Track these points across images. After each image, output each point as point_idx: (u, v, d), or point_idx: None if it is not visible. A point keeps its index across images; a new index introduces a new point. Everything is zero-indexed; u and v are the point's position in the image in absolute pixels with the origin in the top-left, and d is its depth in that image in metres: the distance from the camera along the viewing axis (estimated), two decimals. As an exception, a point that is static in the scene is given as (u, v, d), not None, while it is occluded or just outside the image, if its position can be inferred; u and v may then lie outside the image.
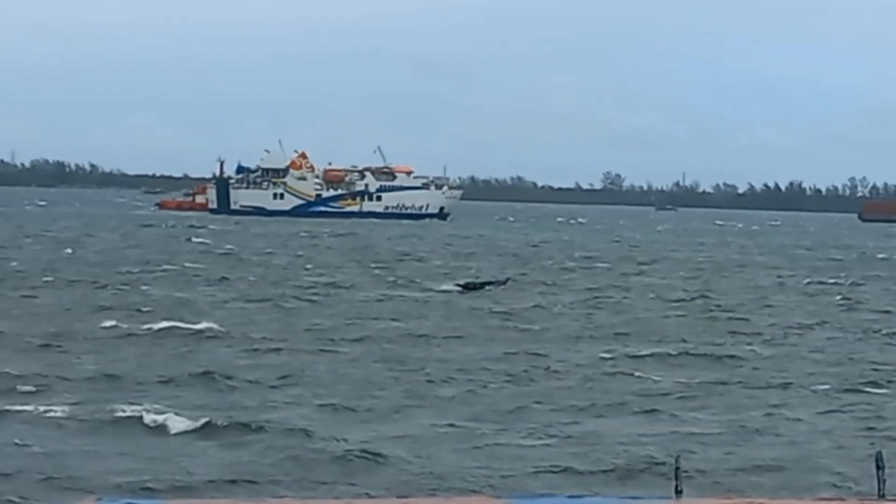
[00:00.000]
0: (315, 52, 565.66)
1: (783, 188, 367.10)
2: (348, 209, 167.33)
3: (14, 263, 61.32)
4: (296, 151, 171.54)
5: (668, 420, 25.62)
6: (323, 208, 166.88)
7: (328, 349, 34.61)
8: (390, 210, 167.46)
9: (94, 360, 31.29)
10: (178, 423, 23.49)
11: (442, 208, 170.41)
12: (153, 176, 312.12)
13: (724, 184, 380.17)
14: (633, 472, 21.01)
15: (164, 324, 38.19)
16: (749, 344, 38.21)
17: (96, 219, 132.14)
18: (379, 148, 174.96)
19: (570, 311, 47.16)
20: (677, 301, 52.76)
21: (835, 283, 66.63)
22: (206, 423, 23.57)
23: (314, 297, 50.33)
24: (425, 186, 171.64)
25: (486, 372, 31.10)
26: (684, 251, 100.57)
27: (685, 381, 30.59)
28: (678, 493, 7.78)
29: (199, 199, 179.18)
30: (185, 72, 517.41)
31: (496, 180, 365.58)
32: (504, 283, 56.41)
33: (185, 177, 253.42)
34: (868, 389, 29.95)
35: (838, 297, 57.02)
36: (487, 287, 54.55)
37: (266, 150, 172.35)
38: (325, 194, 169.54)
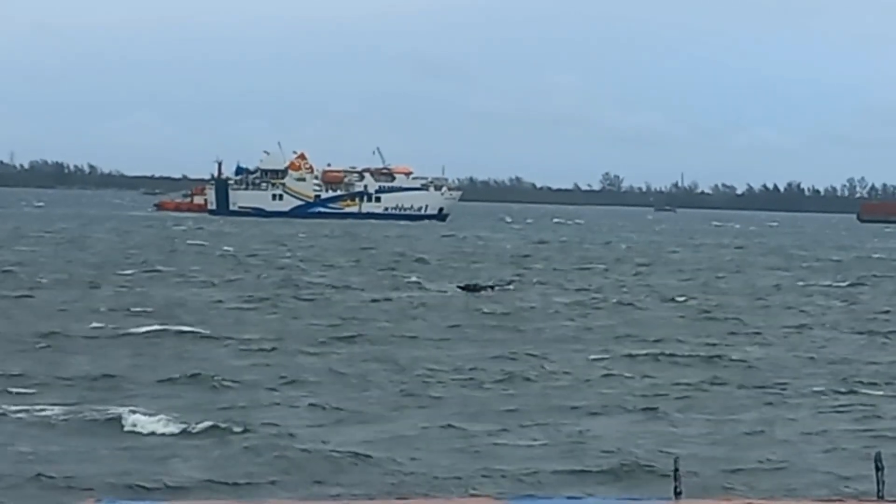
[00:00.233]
0: (314, 53, 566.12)
1: (782, 189, 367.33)
2: (347, 210, 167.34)
3: (10, 266, 61.17)
4: (295, 152, 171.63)
5: (666, 421, 25.56)
6: (322, 209, 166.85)
7: (324, 350, 34.49)
8: (389, 211, 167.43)
9: (87, 361, 31.17)
10: (169, 425, 23.33)
11: (441, 209, 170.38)
12: (152, 177, 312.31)
13: (723, 185, 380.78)
14: (632, 473, 20.98)
15: (159, 325, 38.09)
16: (746, 345, 38.18)
17: (93, 220, 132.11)
18: (378, 149, 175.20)
19: (567, 312, 47.08)
20: (674, 302, 52.71)
21: (831, 284, 66.63)
22: (198, 425, 23.40)
23: (311, 298, 50.27)
24: (424, 187, 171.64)
25: (484, 373, 31.02)
26: (681, 252, 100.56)
27: (683, 381, 30.51)
28: (677, 494, 7.77)
29: (198, 199, 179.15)
30: (184, 72, 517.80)
31: (495, 181, 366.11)
32: (506, 284, 56.31)
33: (184, 178, 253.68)
34: (866, 390, 29.90)
35: (835, 299, 56.99)
36: (487, 288, 54.50)
37: (265, 152, 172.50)
38: (324, 195, 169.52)
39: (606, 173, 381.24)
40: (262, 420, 24.47)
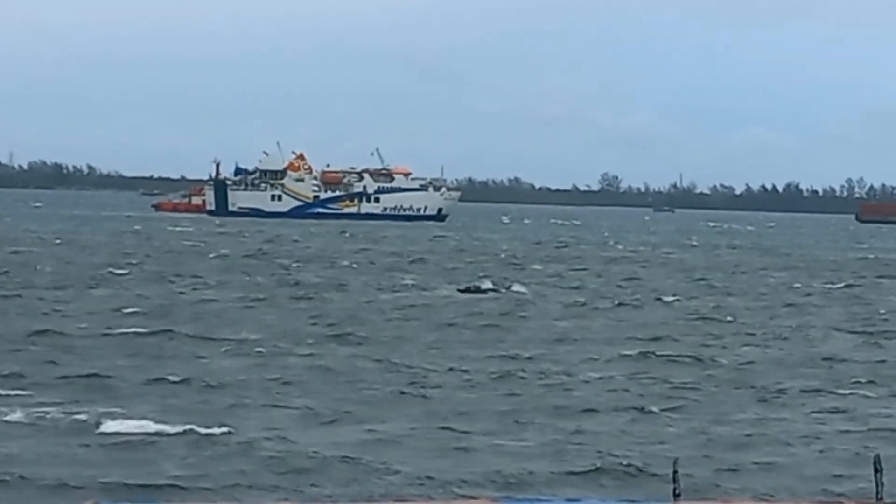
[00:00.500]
0: (313, 53, 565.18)
1: (780, 189, 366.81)
2: (346, 211, 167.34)
3: (3, 266, 61.22)
4: (294, 153, 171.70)
5: (662, 422, 25.44)
6: (321, 210, 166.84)
7: (318, 351, 34.36)
8: (388, 212, 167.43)
9: (78, 361, 31.04)
10: (158, 426, 23.06)
11: (440, 210, 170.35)
12: (151, 177, 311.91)
13: (722, 185, 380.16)
14: (630, 475, 21.01)
15: (151, 325, 38.04)
16: (742, 345, 38.15)
17: (89, 221, 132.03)
18: (377, 149, 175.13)
19: (563, 313, 46.98)
20: (669, 302, 52.68)
21: (828, 285, 66.66)
22: (187, 425, 23.15)
23: (308, 297, 50.30)
24: (423, 188, 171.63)
25: (479, 373, 30.86)
26: (676, 253, 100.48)
27: (679, 382, 30.43)
28: (676, 496, 7.83)
29: (196, 200, 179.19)
30: (182, 73, 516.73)
31: (493, 182, 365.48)
32: (504, 287, 56.33)
33: (183, 178, 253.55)
34: (862, 391, 29.88)
35: (833, 299, 56.97)
36: (486, 291, 54.49)
37: (264, 152, 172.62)
38: (322, 196, 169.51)
39: (605, 174, 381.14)
40: (254, 421, 24.37)
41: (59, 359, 31.56)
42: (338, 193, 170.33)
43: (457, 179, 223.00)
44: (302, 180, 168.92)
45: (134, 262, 68.05)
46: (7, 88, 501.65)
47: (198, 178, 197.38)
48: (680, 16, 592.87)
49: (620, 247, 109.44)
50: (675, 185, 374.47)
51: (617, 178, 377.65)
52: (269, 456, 21.52)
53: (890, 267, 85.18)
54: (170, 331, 37.24)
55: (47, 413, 24.36)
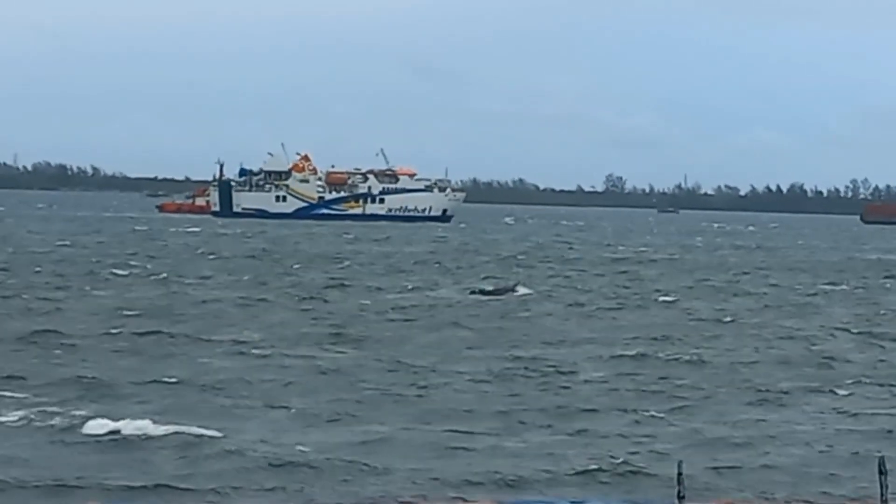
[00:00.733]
0: (318, 54, 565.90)
1: (785, 190, 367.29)
2: (351, 212, 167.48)
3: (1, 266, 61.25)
4: (298, 154, 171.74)
5: (666, 422, 25.47)
6: (325, 211, 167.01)
7: (314, 352, 34.23)
8: (393, 212, 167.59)
9: (74, 362, 30.98)
10: (152, 427, 22.96)
11: (445, 210, 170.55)
12: (155, 178, 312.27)
13: (726, 186, 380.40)
14: (632, 475, 20.91)
15: (150, 326, 37.98)
16: (743, 346, 38.11)
17: (91, 222, 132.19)
18: (382, 150, 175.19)
19: (564, 313, 46.99)
20: (668, 303, 52.61)
21: (830, 284, 66.63)
22: (182, 426, 23.07)
23: (311, 298, 50.26)
24: (428, 189, 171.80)
25: (479, 374, 30.83)
26: (679, 253, 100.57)
27: (682, 382, 30.47)
28: (681, 498, 7.77)
29: (199, 201, 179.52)
30: (186, 73, 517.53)
31: (498, 182, 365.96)
32: (509, 289, 56.23)
33: (187, 179, 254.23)
34: (866, 392, 29.81)
35: (834, 300, 56.98)
36: (489, 291, 54.39)
37: (269, 153, 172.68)
38: (327, 197, 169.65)
39: (609, 175, 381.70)
40: (253, 421, 24.32)
41: (58, 359, 31.53)
42: (342, 194, 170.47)
43: (461, 180, 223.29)
44: (306, 181, 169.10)
45: (136, 262, 68.03)
46: (11, 89, 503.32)
47: (202, 179, 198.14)
48: (684, 15, 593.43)
49: (623, 247, 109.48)
50: (679, 186, 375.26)
51: (621, 178, 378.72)
52: (268, 456, 21.41)
53: (893, 268, 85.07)
54: (170, 332, 37.19)
55: (45, 414, 24.28)
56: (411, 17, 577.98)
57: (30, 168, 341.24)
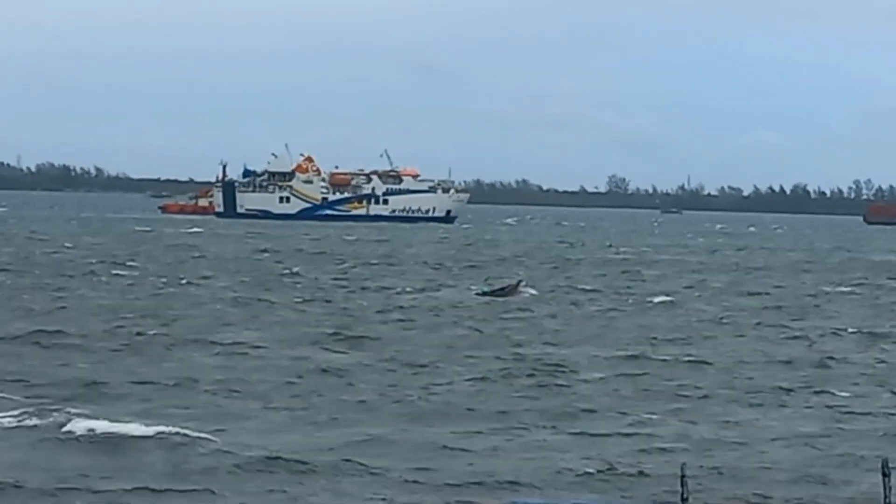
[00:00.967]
0: (321, 55, 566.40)
1: (788, 191, 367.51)
2: (355, 212, 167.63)
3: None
4: (302, 155, 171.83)
5: (666, 422, 25.42)
6: (329, 212, 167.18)
7: (312, 353, 34.14)
8: (397, 213, 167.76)
9: (73, 363, 30.95)
10: (144, 428, 22.84)
11: (448, 211, 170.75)
12: (158, 179, 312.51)
13: (729, 187, 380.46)
14: (632, 476, 20.81)
15: (148, 327, 37.92)
16: (746, 346, 38.05)
17: (93, 223, 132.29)
18: (386, 151, 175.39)
19: (564, 314, 46.95)
20: (668, 304, 52.51)
21: (832, 285, 66.56)
22: (175, 427, 22.94)
23: (312, 299, 50.19)
24: (432, 190, 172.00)
25: (479, 375, 30.76)
26: (680, 254, 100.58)
27: (683, 383, 30.40)
28: (684, 500, 7.68)
29: (202, 202, 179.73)
30: (189, 74, 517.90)
31: (501, 183, 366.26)
32: (515, 286, 56.10)
33: (191, 180, 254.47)
34: (867, 392, 29.74)
35: (834, 300, 56.92)
36: (492, 292, 54.29)
37: (273, 154, 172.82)
38: (331, 198, 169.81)
39: (613, 175, 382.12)
40: (252, 422, 24.28)
41: (57, 360, 31.50)
42: (346, 195, 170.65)
43: (465, 181, 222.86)
44: (310, 182, 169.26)
45: (136, 263, 67.98)
46: (15, 90, 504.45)
47: (206, 180, 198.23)
48: (687, 15, 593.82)
49: (623, 248, 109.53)
50: (682, 187, 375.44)
51: (625, 179, 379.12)
52: (267, 456, 21.34)
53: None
54: (169, 332, 37.15)
55: (44, 414, 24.17)
56: (415, 18, 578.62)
57: (33, 169, 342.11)
